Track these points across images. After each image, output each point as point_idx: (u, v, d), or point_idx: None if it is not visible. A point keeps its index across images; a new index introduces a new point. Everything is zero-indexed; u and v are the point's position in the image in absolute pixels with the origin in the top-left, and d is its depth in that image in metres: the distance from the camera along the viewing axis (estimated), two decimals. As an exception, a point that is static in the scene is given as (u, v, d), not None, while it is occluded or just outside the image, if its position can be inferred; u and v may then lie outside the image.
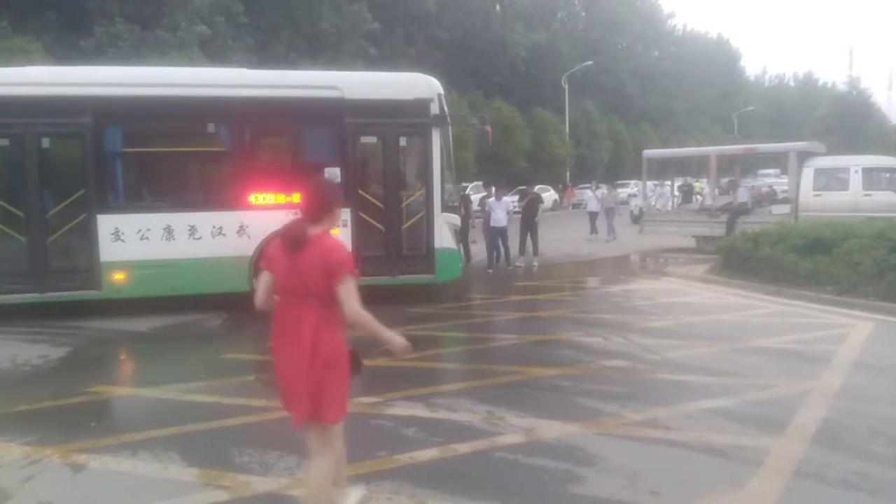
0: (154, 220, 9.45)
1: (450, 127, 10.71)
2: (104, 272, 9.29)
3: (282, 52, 34.10)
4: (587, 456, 4.47)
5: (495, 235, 14.23)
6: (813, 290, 9.88)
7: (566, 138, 45.78)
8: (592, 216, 20.93)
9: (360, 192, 10.09)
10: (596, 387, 6.02)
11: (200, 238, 9.55)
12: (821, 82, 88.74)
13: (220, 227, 9.64)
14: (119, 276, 9.36)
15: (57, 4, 27.16)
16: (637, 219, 19.80)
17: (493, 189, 15.07)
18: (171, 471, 4.33)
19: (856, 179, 15.21)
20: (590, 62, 46.12)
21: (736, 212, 16.00)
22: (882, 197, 14.78)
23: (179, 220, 9.50)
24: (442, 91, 10.54)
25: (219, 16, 29.67)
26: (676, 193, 22.87)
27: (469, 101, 40.66)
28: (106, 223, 9.28)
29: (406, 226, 10.31)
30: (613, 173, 48.23)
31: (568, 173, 44.03)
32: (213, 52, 28.82)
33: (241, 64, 30.04)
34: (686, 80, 67.11)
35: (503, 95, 44.33)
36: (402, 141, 10.54)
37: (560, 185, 40.77)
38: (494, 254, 14.36)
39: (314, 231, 3.38)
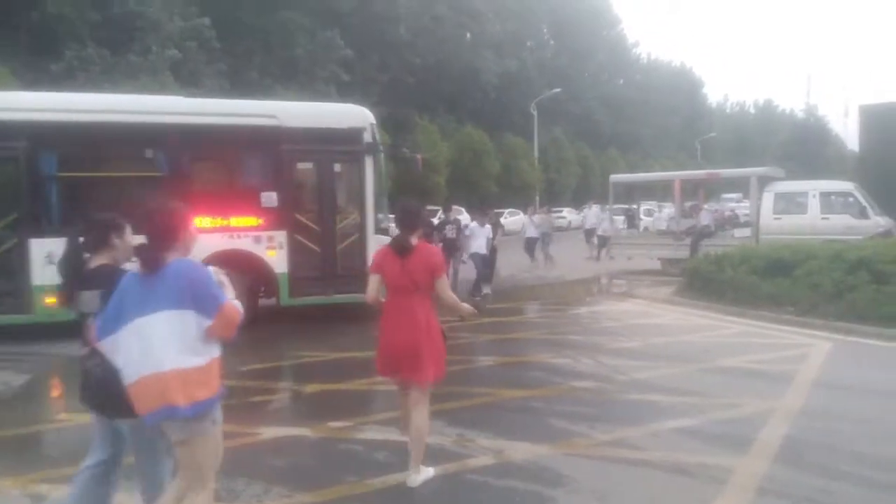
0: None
1: (381, 155, 11.28)
2: (36, 296, 9.20)
3: (255, 78, 34.13)
4: (557, 477, 4.51)
5: (477, 262, 13.64)
6: (774, 310, 10.13)
7: (535, 163, 46.40)
8: (530, 242, 19.42)
9: (297, 215, 10.53)
10: (566, 408, 6.08)
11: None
12: (780, 109, 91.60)
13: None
14: (51, 300, 9.15)
15: (27, 28, 26.88)
16: (604, 242, 20.01)
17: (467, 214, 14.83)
18: (137, 499, 4.24)
19: (814, 203, 15.70)
20: (558, 89, 46.95)
21: (699, 235, 16.35)
22: (839, 220, 15.26)
23: None
24: (374, 121, 11.12)
25: (191, 41, 29.63)
26: (642, 217, 23.30)
27: (440, 126, 41.11)
28: (39, 247, 9.21)
29: (341, 247, 10.75)
30: (582, 198, 48.92)
31: (537, 198, 44.52)
32: (185, 77, 28.72)
33: (213, 89, 30.08)
34: (651, 107, 68.73)
35: (474, 121, 44.90)
36: (337, 167, 11.10)
37: (529, 209, 41.24)
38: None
39: (413, 241, 4.36)
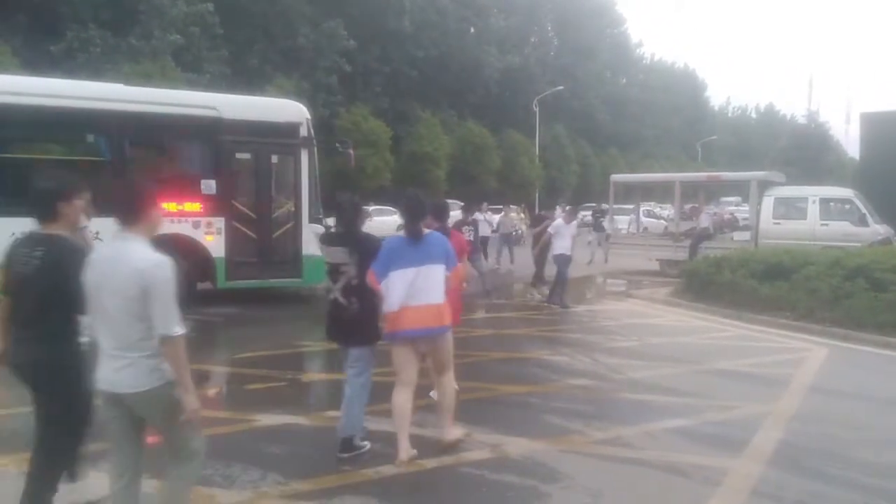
0: (27, 224, 9.47)
1: (315, 147, 11.84)
2: None
3: (256, 65, 34.00)
4: (552, 473, 4.52)
5: (563, 266, 11.77)
6: (771, 314, 10.15)
7: (536, 160, 46.37)
8: (483, 241, 16.65)
9: (234, 203, 11.01)
10: (562, 405, 6.09)
11: None
12: (781, 114, 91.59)
13: (97, 232, 9.83)
14: None
15: (28, 7, 26.69)
16: (601, 241, 19.97)
17: (561, 210, 12.78)
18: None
19: (813, 209, 15.73)
20: (561, 87, 46.92)
21: (698, 237, 16.37)
22: (838, 227, 15.30)
23: None
24: (309, 116, 11.77)
25: (194, 26, 29.47)
26: (642, 217, 23.32)
27: (442, 120, 41.02)
28: None
29: (276, 234, 11.31)
30: (581, 197, 48.94)
31: (537, 194, 44.53)
32: (187, 62, 28.59)
33: (215, 75, 29.97)
34: (653, 107, 68.61)
35: (476, 116, 44.81)
36: (274, 159, 11.59)
37: (522, 206, 41.04)
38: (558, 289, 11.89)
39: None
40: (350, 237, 4.74)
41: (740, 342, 9.02)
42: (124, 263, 3.15)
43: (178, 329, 3.19)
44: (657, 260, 17.24)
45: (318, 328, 9.37)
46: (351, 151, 13.16)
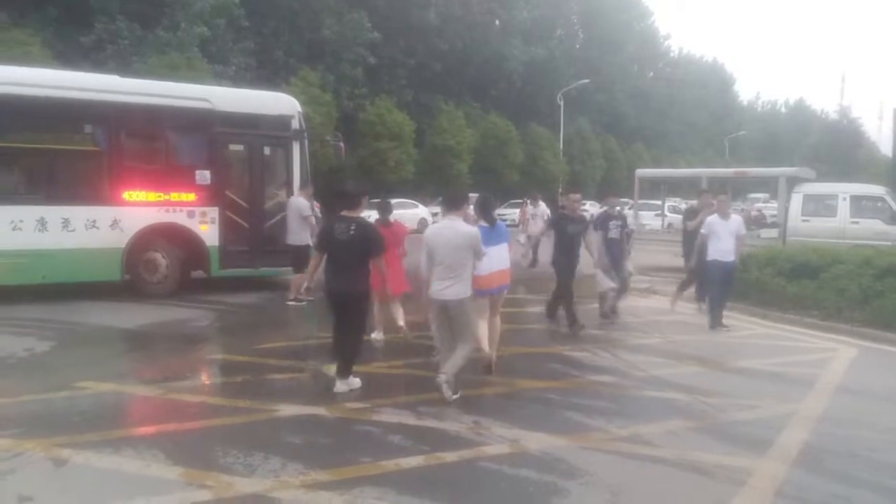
0: (27, 212, 9.86)
1: (307, 141, 12.13)
2: None
3: (281, 58, 34.19)
4: (571, 469, 4.49)
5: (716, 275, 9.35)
6: (799, 313, 9.97)
7: (560, 155, 46.04)
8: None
9: (228, 193, 11.32)
10: (582, 401, 6.05)
11: (74, 230, 10.08)
12: (812, 109, 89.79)
13: (95, 221, 10.24)
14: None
15: (58, 0, 27.10)
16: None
17: (718, 201, 9.62)
18: (154, 469, 4.31)
19: (843, 207, 15.41)
20: (586, 80, 46.43)
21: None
22: (869, 225, 14.97)
23: (54, 212, 9.98)
24: (301, 109, 12.08)
25: (220, 18, 29.70)
26: (667, 213, 23.07)
27: (465, 113, 40.91)
28: None
29: (268, 224, 11.58)
30: (606, 191, 48.48)
31: (560, 189, 44.24)
32: (213, 54, 28.84)
33: (240, 67, 30.19)
34: (680, 101, 67.72)
35: (499, 109, 44.62)
36: (266, 150, 11.89)
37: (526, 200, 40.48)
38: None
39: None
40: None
41: (766, 341, 8.88)
42: (458, 232, 5.76)
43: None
44: (682, 256, 17.02)
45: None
46: (341, 144, 13.47)
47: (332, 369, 6.15)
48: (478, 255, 5.83)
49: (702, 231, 9.43)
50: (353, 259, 5.87)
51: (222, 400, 5.89)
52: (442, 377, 5.73)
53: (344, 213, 6.02)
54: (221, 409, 5.53)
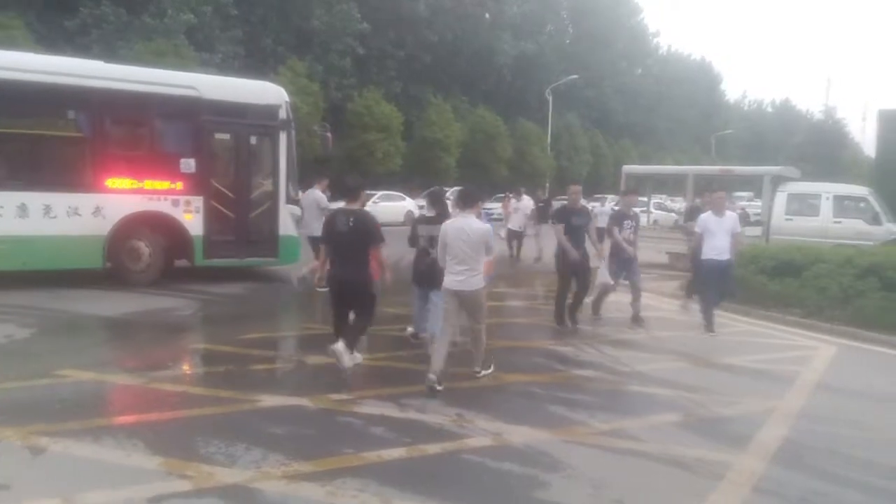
0: (8, 198, 9.77)
1: (294, 131, 12.00)
2: None
3: (269, 46, 33.90)
4: (554, 462, 4.51)
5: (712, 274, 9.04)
6: (781, 311, 10.07)
7: (547, 150, 46.11)
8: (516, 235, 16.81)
9: (213, 182, 11.17)
10: (566, 395, 6.07)
11: (56, 217, 9.97)
12: (798, 109, 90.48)
13: (76, 208, 10.15)
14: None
15: (42, -18, 26.68)
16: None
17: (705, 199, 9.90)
18: (134, 458, 4.28)
19: (827, 206, 15.57)
20: (575, 76, 46.51)
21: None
22: (851, 224, 15.13)
23: (35, 198, 9.87)
24: (288, 99, 11.91)
25: (207, 5, 29.39)
26: (652, 210, 23.17)
27: (454, 107, 40.82)
28: None
29: (253, 214, 11.50)
30: (593, 187, 48.65)
31: (548, 184, 44.33)
32: (200, 41, 28.55)
33: (227, 55, 29.91)
34: (668, 99, 68.01)
35: (488, 103, 44.58)
36: (253, 140, 11.76)
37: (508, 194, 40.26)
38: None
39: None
40: (442, 219, 6.57)
41: (748, 338, 8.96)
42: (472, 228, 6.06)
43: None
44: (667, 253, 17.13)
45: (322, 312, 9.41)
46: (328, 135, 13.36)
47: (337, 349, 6.21)
48: (489, 249, 6.20)
49: (696, 229, 9.26)
50: (354, 249, 6.18)
51: (204, 390, 5.85)
52: (476, 370, 6.38)
53: (348, 204, 6.39)
54: (203, 399, 5.49)
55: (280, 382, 6.43)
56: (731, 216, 9.12)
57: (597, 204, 23.70)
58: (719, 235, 8.81)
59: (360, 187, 6.64)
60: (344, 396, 5.65)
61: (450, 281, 6.11)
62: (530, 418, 5.32)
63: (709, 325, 8.98)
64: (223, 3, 30.47)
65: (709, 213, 9.09)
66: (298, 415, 5.26)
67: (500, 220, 19.80)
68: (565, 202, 9.75)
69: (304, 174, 13.63)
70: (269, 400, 5.51)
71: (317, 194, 10.87)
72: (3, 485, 3.85)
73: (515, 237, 16.70)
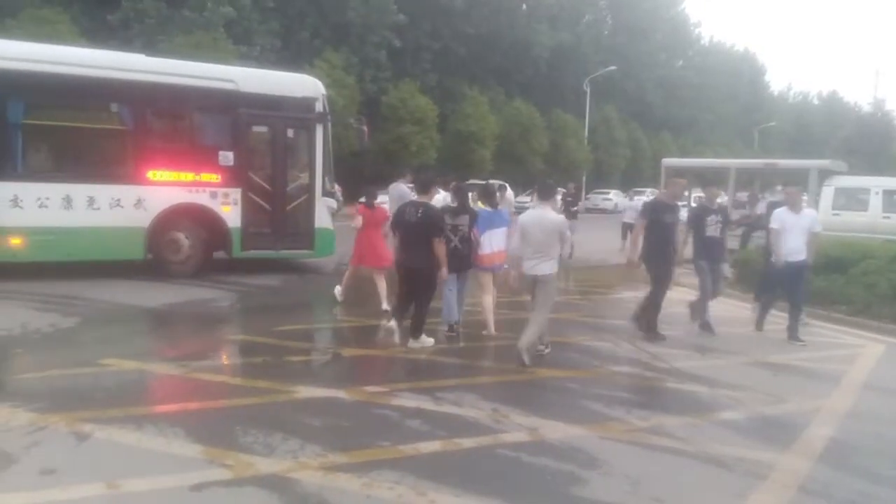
0: (53, 190, 9.92)
1: (330, 124, 12.03)
2: (0, 237, 9.64)
3: (306, 39, 34.15)
4: (591, 459, 4.45)
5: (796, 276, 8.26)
6: (826, 308, 9.78)
7: (584, 142, 45.58)
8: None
9: (251, 174, 11.26)
10: (603, 391, 5.99)
11: (99, 208, 10.14)
12: (845, 102, 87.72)
13: (119, 199, 10.30)
14: (15, 241, 9.78)
15: (86, -23, 27.30)
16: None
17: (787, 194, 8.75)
18: (175, 446, 4.35)
19: (876, 201, 15.08)
20: (613, 67, 45.81)
21: (752, 225, 15.83)
22: (902, 220, 14.62)
23: (79, 190, 10.04)
24: (325, 92, 11.98)
25: (246, -1, 29.73)
26: (693, 203, 22.67)
27: (490, 99, 40.60)
28: (5, 190, 9.67)
29: (290, 207, 11.55)
30: (630, 181, 47.97)
31: (584, 177, 43.87)
32: (238, 34, 28.90)
33: (265, 48, 30.23)
34: (709, 91, 66.47)
35: (524, 95, 44.21)
36: (290, 132, 11.83)
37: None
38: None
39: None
40: (466, 209, 7.55)
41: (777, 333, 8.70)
42: (547, 219, 6.63)
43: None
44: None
45: (358, 305, 9.49)
46: (364, 128, 13.38)
47: (391, 325, 7.30)
48: (564, 238, 6.84)
49: (771, 226, 8.40)
50: (419, 238, 6.74)
51: (242, 380, 5.93)
52: (520, 345, 6.59)
53: (420, 197, 7.09)
54: (241, 390, 5.56)
55: (316, 374, 6.47)
56: (808, 213, 8.50)
57: (623, 198, 23.05)
58: (796, 234, 8.13)
59: (431, 182, 7.22)
60: (380, 389, 5.66)
61: (528, 267, 6.65)
62: (566, 414, 5.26)
63: (759, 323, 8.64)
64: (261, -5, 30.82)
65: (783, 208, 8.40)
66: (335, 406, 5.29)
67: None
68: (656, 196, 9.09)
69: (340, 167, 13.70)
70: (305, 391, 5.55)
71: (402, 188, 10.89)
72: (49, 469, 3.95)
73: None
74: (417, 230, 6.74)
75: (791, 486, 4.20)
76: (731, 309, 10.41)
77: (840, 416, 5.55)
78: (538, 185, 7.23)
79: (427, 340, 7.07)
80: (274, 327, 7.79)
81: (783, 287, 8.44)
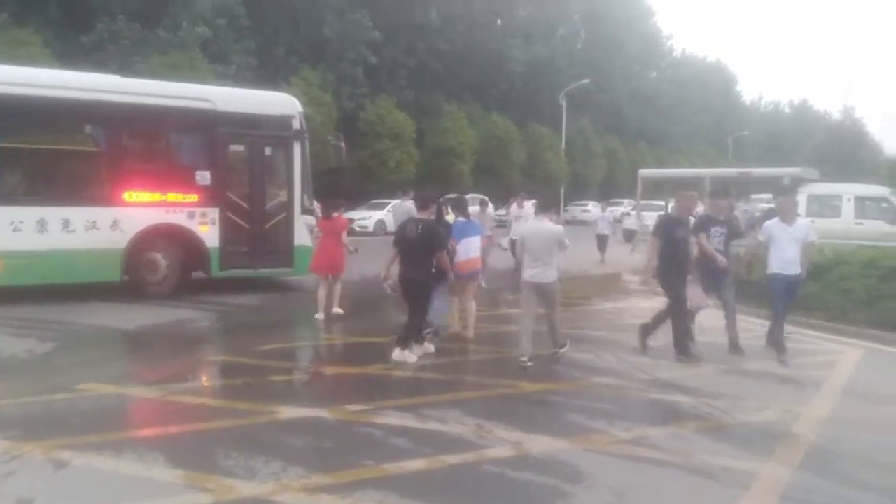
0: (28, 213, 9.85)
1: (307, 141, 11.97)
2: None
3: (282, 56, 34.14)
4: (575, 472, 4.45)
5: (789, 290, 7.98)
6: (803, 315, 9.90)
7: (562, 154, 45.96)
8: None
9: (228, 193, 11.25)
10: (585, 403, 6.00)
11: (74, 231, 10.05)
12: (815, 110, 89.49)
13: (95, 221, 10.24)
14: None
15: (59, -1, 27.09)
16: (630, 237, 19.76)
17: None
18: (155, 471, 4.28)
19: (848, 207, 15.37)
20: (587, 80, 46.34)
21: (731, 234, 16.02)
22: (873, 225, 14.91)
23: (54, 213, 9.96)
24: (302, 109, 11.99)
25: (221, 17, 29.67)
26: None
27: (467, 114, 40.84)
28: None
29: (268, 225, 11.57)
30: (608, 192, 48.41)
31: (562, 189, 44.17)
32: (214, 53, 28.81)
33: (241, 66, 30.16)
34: (683, 102, 67.49)
35: (501, 109, 44.52)
36: (267, 151, 11.86)
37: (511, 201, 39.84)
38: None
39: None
40: (442, 222, 7.88)
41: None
42: (546, 229, 7.06)
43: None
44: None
45: (338, 322, 9.43)
46: (342, 145, 13.41)
47: (422, 342, 7.48)
48: (562, 247, 7.11)
49: (759, 237, 8.06)
50: (419, 253, 7.09)
51: (223, 402, 5.85)
52: (557, 348, 7.37)
53: (419, 213, 7.47)
54: (222, 412, 5.49)
55: (298, 394, 6.42)
56: (802, 224, 7.99)
57: (594, 209, 23.01)
58: (787, 245, 7.70)
59: (432, 200, 7.67)
60: (363, 406, 5.62)
61: (528, 275, 7.05)
62: (550, 427, 5.26)
63: (780, 349, 7.75)
64: (236, 14, 30.74)
65: (775, 219, 7.98)
66: (317, 426, 5.24)
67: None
68: (704, 210, 8.66)
69: (319, 184, 13.65)
70: (287, 411, 5.50)
71: (407, 205, 11.16)
72: (26, 499, 3.86)
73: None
74: (417, 245, 7.07)
75: (773, 494, 4.23)
76: (710, 318, 10.50)
77: (821, 423, 5.60)
78: (538, 199, 8.14)
79: (410, 357, 7.15)
80: (254, 347, 7.71)
81: (780, 301, 7.93)
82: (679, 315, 7.67)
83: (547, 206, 7.56)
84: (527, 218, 15.42)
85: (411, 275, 7.15)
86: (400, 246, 7.25)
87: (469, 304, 8.37)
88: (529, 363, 6.94)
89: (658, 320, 7.96)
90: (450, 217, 9.01)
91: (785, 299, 7.93)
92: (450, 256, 7.60)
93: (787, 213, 7.94)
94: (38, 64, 16.03)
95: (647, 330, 8.00)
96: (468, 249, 8.02)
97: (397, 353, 7.09)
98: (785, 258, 7.71)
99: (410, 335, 7.22)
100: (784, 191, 9.13)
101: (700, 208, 10.38)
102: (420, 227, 7.14)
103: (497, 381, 6.64)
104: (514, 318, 10.43)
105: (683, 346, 7.56)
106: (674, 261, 7.59)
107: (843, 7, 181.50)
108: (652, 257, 7.85)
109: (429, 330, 7.65)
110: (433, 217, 7.57)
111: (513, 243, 15.42)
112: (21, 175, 10.47)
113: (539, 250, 6.95)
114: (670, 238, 7.62)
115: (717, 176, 18.90)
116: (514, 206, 15.45)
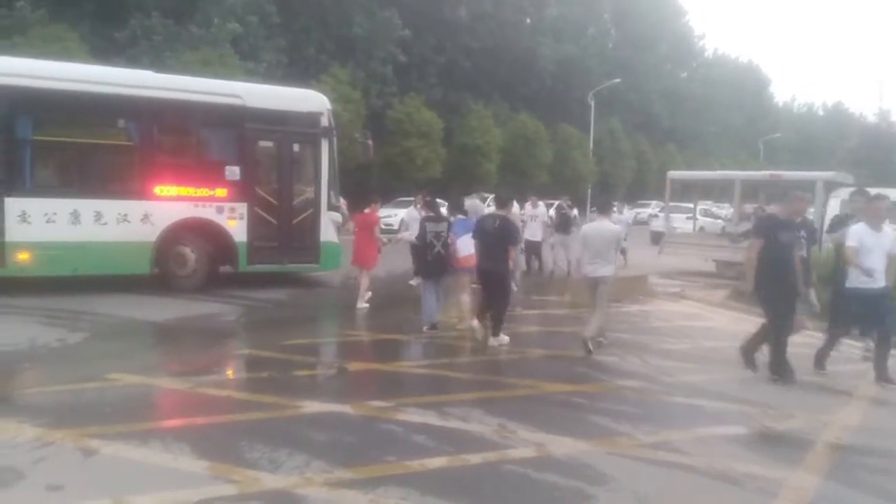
0: (61, 205, 10.01)
1: (336, 138, 12.08)
2: (8, 251, 9.73)
3: (312, 54, 34.40)
4: (598, 475, 4.42)
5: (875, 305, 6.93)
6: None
7: (590, 155, 45.63)
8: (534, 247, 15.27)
9: (257, 189, 11.36)
10: (609, 406, 5.96)
11: (106, 223, 10.21)
12: (850, 112, 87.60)
13: (126, 214, 10.38)
14: (23, 256, 9.85)
15: (95, -5, 27.61)
16: (657, 239, 19.56)
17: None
18: (181, 462, 4.34)
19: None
20: (618, 80, 45.94)
21: (810, 240, 15.58)
22: (909, 231, 14.51)
23: (86, 205, 10.09)
24: (330, 106, 12.08)
25: (252, 15, 29.98)
26: (698, 216, 22.69)
27: (494, 113, 40.76)
28: (13, 206, 9.78)
29: (296, 221, 11.65)
30: (636, 193, 47.97)
31: (589, 190, 43.87)
32: (245, 50, 29.13)
33: (271, 63, 30.46)
34: (714, 103, 66.62)
35: (529, 108, 44.36)
36: (296, 147, 11.92)
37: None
38: None
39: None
40: (442, 218, 8.82)
41: (801, 349, 8.58)
42: (606, 229, 7.75)
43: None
44: (714, 261, 16.73)
45: (363, 318, 9.49)
46: (370, 142, 13.49)
47: (474, 324, 8.05)
48: (619, 246, 8.10)
49: (848, 244, 6.84)
50: (497, 246, 7.77)
51: (248, 395, 5.92)
52: (585, 335, 7.67)
53: (498, 210, 8.23)
54: (247, 404, 5.56)
55: (322, 389, 6.47)
56: (888, 233, 6.99)
57: (615, 211, 22.27)
58: (875, 255, 6.73)
59: (510, 198, 8.53)
60: (385, 403, 5.65)
61: (589, 270, 7.74)
62: (573, 429, 5.23)
63: (821, 367, 7.27)
64: (267, 12, 31.04)
65: (862, 224, 6.95)
66: (340, 421, 5.28)
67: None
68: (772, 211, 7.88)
69: (346, 181, 13.72)
70: (311, 406, 5.54)
71: (477, 203, 11.28)
72: (57, 485, 3.95)
73: (533, 250, 15.02)
74: (494, 239, 7.77)
75: (801, 502, 4.16)
76: (739, 323, 10.36)
77: (850, 431, 5.49)
78: (598, 200, 9.11)
79: (504, 339, 7.92)
80: (280, 341, 7.79)
81: (863, 318, 7.02)
82: (776, 334, 6.83)
83: (603, 209, 8.24)
84: (541, 219, 15.17)
85: (487, 265, 7.87)
86: (479, 239, 7.95)
87: (463, 297, 8.82)
88: (605, 341, 8.05)
89: (755, 342, 7.13)
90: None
91: (867, 316, 6.93)
92: (450, 252, 8.45)
93: (876, 218, 6.92)
94: (73, 59, 16.37)
95: (747, 352, 7.20)
96: (467, 245, 8.38)
97: (492, 340, 7.88)
98: (871, 269, 6.73)
99: (499, 322, 7.93)
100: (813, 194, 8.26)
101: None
102: (497, 222, 7.85)
103: (519, 380, 6.62)
104: (531, 319, 10.41)
105: (782, 368, 6.77)
106: (775, 270, 6.66)
107: (879, 7, 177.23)
108: (750, 265, 6.86)
109: (429, 328, 8.38)
110: (435, 211, 8.67)
111: (528, 245, 14.88)
112: (55, 168, 10.72)
113: (598, 248, 7.61)
114: (774, 241, 6.68)
115: (747, 179, 18.57)
116: (527, 207, 15.44)
